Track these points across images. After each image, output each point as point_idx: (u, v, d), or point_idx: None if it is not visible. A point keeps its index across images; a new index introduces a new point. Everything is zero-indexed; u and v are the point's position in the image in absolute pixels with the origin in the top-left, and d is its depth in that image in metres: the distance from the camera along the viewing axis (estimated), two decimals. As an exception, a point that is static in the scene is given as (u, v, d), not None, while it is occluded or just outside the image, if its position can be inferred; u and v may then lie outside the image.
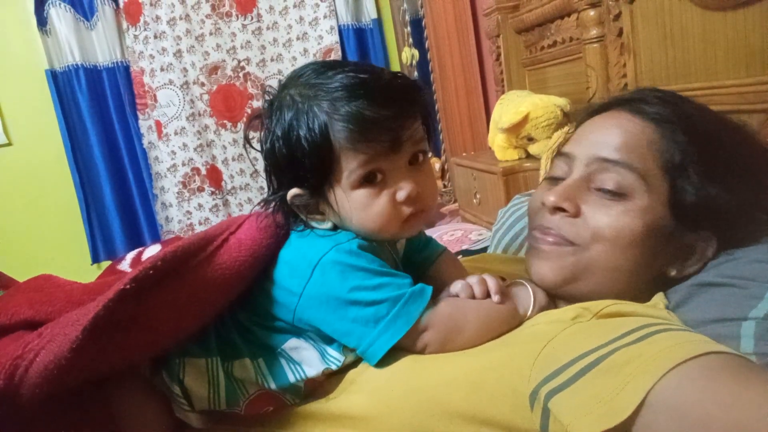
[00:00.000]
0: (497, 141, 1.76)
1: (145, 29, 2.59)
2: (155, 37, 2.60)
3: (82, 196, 2.65)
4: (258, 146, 0.66)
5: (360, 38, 2.83)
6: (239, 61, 2.74)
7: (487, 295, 0.63)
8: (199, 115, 2.70)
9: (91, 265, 2.68)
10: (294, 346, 0.64)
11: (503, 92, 2.00)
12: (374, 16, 2.82)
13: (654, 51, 1.21)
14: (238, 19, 2.72)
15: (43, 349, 0.51)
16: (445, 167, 2.51)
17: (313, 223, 0.66)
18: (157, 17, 2.58)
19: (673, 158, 0.65)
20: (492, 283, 0.64)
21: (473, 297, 0.63)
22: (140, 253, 0.75)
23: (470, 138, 2.39)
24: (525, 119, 1.61)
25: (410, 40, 2.63)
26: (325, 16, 2.74)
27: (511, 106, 1.66)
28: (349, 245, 0.62)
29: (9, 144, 2.62)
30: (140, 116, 2.67)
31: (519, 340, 0.59)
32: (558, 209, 0.67)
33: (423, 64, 2.59)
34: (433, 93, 2.39)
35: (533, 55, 1.90)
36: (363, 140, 0.58)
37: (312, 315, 0.62)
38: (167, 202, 2.73)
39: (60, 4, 2.50)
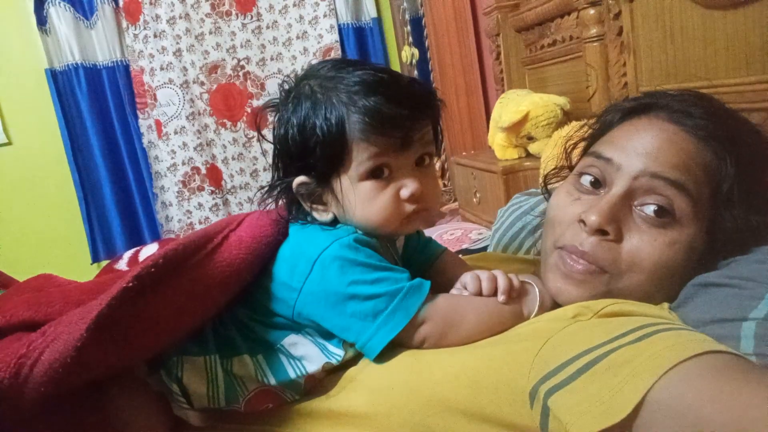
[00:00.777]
0: (497, 140, 1.76)
1: (144, 28, 2.59)
2: (155, 36, 2.60)
3: (82, 196, 2.64)
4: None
5: (360, 37, 2.83)
6: (239, 60, 2.74)
7: (495, 293, 0.63)
8: (199, 114, 2.70)
9: (91, 264, 2.68)
10: (293, 342, 0.65)
11: (503, 91, 2.00)
12: (374, 14, 2.82)
13: (654, 50, 1.21)
14: (237, 18, 2.72)
15: (47, 348, 0.51)
16: (445, 166, 2.51)
17: (315, 214, 0.67)
18: (157, 16, 2.58)
19: (722, 186, 0.61)
20: (502, 281, 0.64)
21: (480, 291, 0.64)
22: (137, 252, 0.75)
23: (470, 137, 2.39)
24: (525, 118, 1.61)
25: (410, 39, 2.63)
26: (324, 15, 2.74)
27: (511, 105, 1.66)
28: (349, 240, 0.62)
29: (9, 143, 2.62)
30: (140, 115, 2.67)
31: (519, 337, 0.59)
32: (599, 231, 0.61)
33: (423, 63, 2.60)
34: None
35: (533, 53, 1.90)
36: (376, 134, 0.60)
37: (311, 310, 0.62)
38: (167, 202, 2.73)
39: (60, 3, 2.50)
